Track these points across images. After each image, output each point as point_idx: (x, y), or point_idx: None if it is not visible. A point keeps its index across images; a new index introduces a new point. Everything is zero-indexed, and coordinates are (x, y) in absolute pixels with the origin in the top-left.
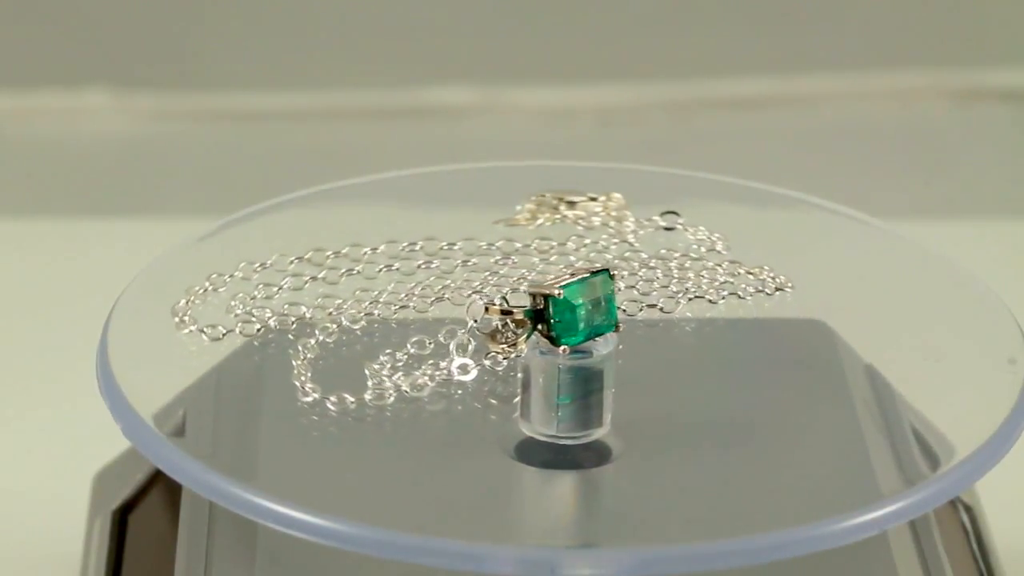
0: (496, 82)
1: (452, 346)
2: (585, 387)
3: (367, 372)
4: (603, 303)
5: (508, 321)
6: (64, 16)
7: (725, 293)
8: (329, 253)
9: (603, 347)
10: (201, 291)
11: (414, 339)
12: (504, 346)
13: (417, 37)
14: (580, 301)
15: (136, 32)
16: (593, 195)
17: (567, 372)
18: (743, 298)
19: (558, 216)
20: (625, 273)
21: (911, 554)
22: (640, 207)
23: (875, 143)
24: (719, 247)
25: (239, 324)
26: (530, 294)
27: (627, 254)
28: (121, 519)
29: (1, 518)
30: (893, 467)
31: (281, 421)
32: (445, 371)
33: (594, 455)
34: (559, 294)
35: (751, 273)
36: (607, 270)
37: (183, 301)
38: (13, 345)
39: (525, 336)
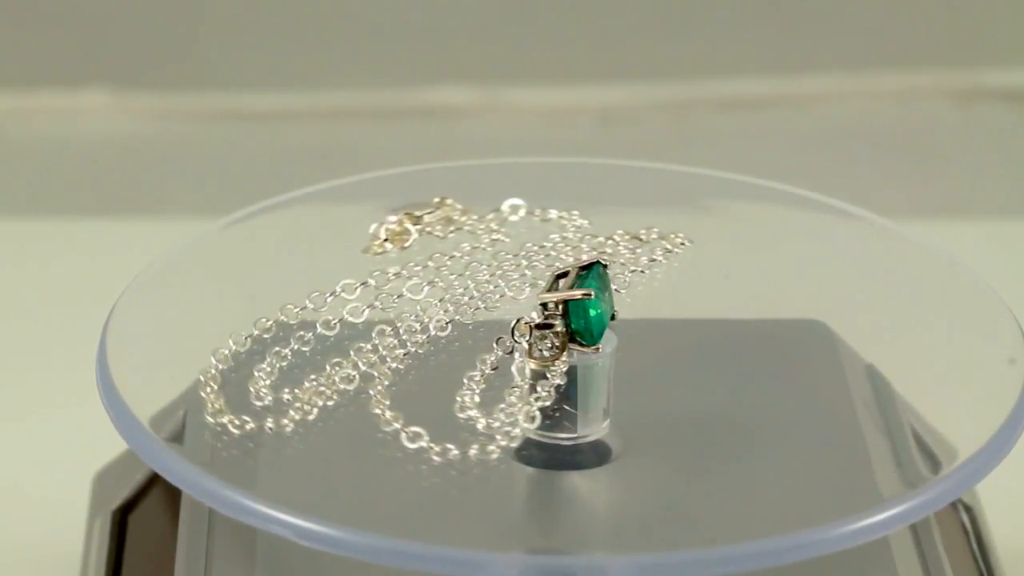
0: (496, 82)
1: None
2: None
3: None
4: (607, 294)
5: (549, 334)
6: (64, 16)
7: (648, 259)
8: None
9: (607, 344)
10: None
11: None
12: (545, 360)
13: (417, 37)
14: (602, 297)
15: (136, 32)
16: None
17: (601, 370)
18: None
19: (415, 233)
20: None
21: (911, 554)
22: (640, 206)
23: (875, 143)
24: (578, 222)
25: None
26: (554, 302)
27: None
28: (121, 519)
29: (1, 518)
30: (893, 469)
31: (281, 424)
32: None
33: (593, 456)
34: (590, 294)
35: (640, 238)
36: (599, 262)
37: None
38: (13, 345)
39: (564, 344)
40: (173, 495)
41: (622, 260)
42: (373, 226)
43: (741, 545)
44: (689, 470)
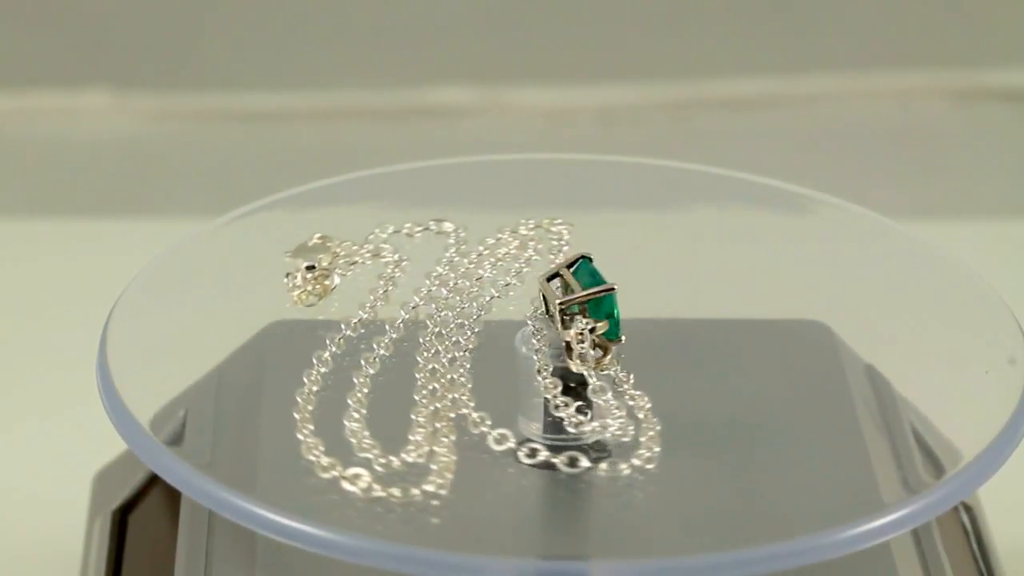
0: (496, 82)
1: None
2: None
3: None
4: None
5: (593, 339)
6: (64, 16)
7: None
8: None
9: None
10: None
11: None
12: (590, 364)
13: (417, 37)
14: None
15: (136, 32)
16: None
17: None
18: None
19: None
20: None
21: (911, 554)
22: (638, 205)
23: (875, 143)
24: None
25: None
26: (577, 303)
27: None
28: (121, 519)
29: (1, 518)
30: (894, 471)
31: (281, 426)
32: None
33: (592, 457)
34: (613, 288)
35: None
36: (585, 256)
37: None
38: (13, 345)
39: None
40: (173, 495)
41: (524, 255)
42: (288, 282)
43: (741, 550)
44: (687, 474)
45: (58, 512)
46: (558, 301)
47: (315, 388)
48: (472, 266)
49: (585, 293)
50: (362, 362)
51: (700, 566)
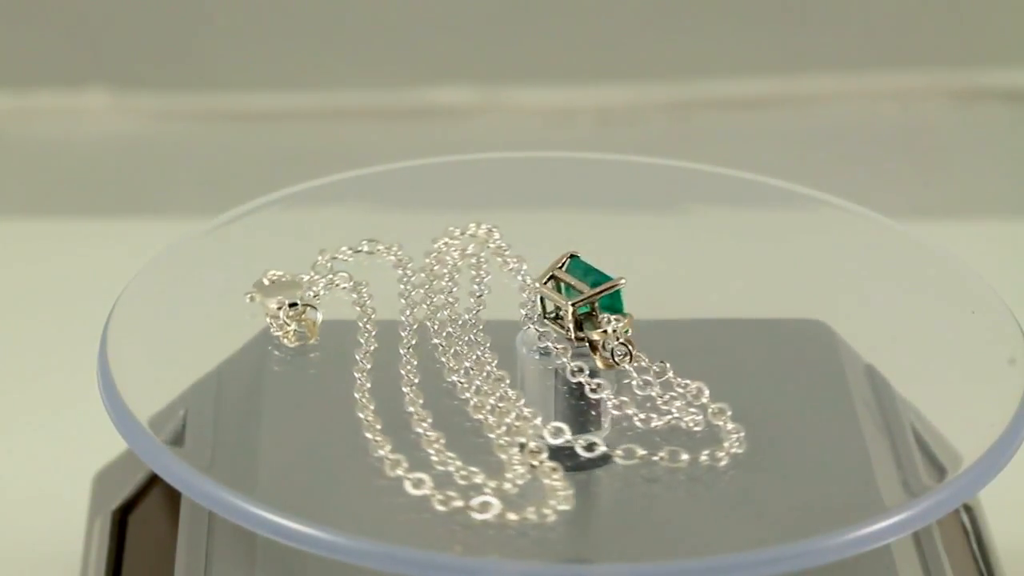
0: (496, 82)
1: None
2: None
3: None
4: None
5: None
6: (64, 16)
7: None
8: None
9: None
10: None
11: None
12: (615, 363)
13: (417, 37)
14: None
15: (136, 32)
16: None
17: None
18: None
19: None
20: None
21: (911, 554)
22: (638, 204)
23: (875, 143)
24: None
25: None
26: (587, 302)
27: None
28: (121, 519)
29: (1, 518)
30: (894, 472)
31: (281, 426)
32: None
33: (591, 459)
34: (622, 281)
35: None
36: (573, 254)
37: None
38: (13, 345)
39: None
40: (173, 495)
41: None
42: (273, 324)
43: (740, 553)
44: (687, 474)
45: (58, 512)
46: (571, 302)
47: (368, 385)
48: (435, 280)
49: (597, 291)
50: (402, 371)
51: (699, 569)
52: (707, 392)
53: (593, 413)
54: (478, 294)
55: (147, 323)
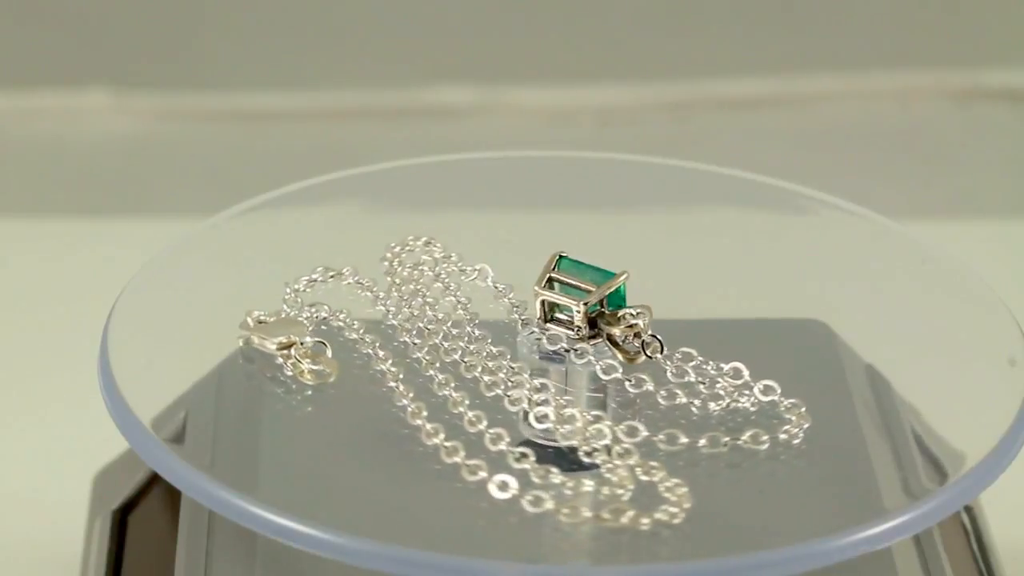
0: (496, 82)
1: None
2: None
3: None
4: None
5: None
6: (64, 16)
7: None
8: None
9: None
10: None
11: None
12: (629, 354)
13: (417, 37)
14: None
15: (136, 32)
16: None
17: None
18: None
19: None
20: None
21: (911, 554)
22: (638, 204)
23: (875, 143)
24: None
25: None
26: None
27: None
28: (121, 519)
29: (1, 518)
30: (895, 472)
31: (282, 426)
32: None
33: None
34: (626, 274)
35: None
36: (561, 254)
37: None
38: (13, 345)
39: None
40: (173, 495)
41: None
42: (291, 367)
43: (739, 556)
44: (687, 476)
45: (58, 512)
46: (584, 302)
47: (400, 376)
48: (413, 297)
49: (605, 287)
50: (438, 374)
51: (698, 571)
52: (746, 372)
53: (628, 408)
54: (458, 302)
55: (147, 322)
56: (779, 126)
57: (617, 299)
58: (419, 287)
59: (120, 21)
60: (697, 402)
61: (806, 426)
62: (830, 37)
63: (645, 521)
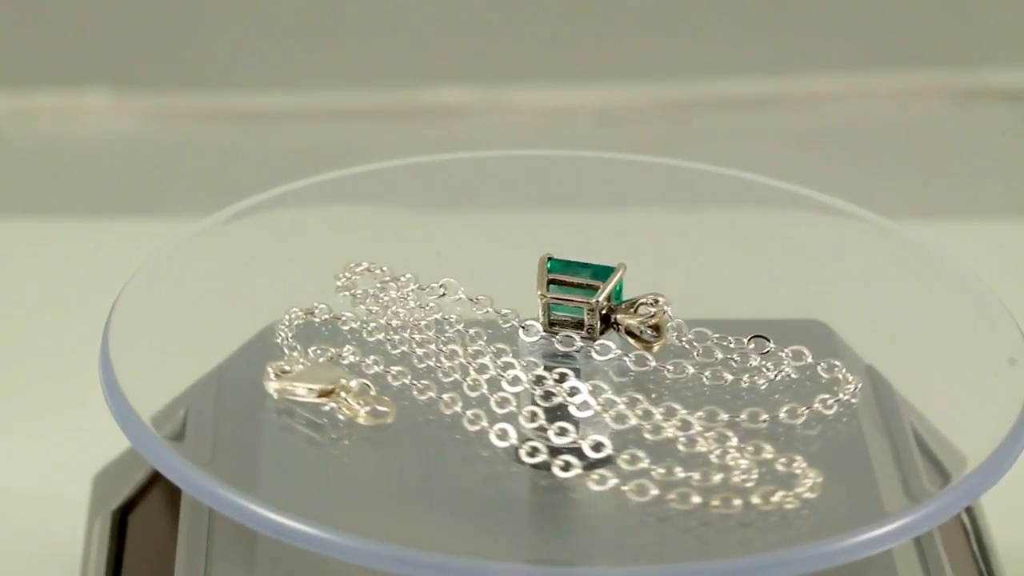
0: (496, 82)
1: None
2: None
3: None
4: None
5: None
6: (64, 16)
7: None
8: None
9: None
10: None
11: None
12: (650, 343)
13: (417, 37)
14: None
15: (136, 32)
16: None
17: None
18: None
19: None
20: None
21: (911, 554)
22: (637, 203)
23: (875, 143)
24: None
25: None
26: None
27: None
28: (121, 519)
29: (1, 518)
30: (895, 474)
31: (282, 424)
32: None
33: (592, 460)
34: (624, 266)
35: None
36: (548, 256)
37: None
38: (13, 345)
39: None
40: (173, 495)
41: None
42: (351, 413)
43: (742, 557)
44: (687, 477)
45: (58, 512)
46: (595, 299)
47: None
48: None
49: (610, 282)
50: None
51: (700, 573)
52: (771, 342)
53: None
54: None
55: (148, 320)
56: (779, 126)
57: (616, 293)
58: (394, 309)
59: (120, 21)
60: (745, 378)
61: (860, 386)
62: (830, 37)
63: (775, 500)
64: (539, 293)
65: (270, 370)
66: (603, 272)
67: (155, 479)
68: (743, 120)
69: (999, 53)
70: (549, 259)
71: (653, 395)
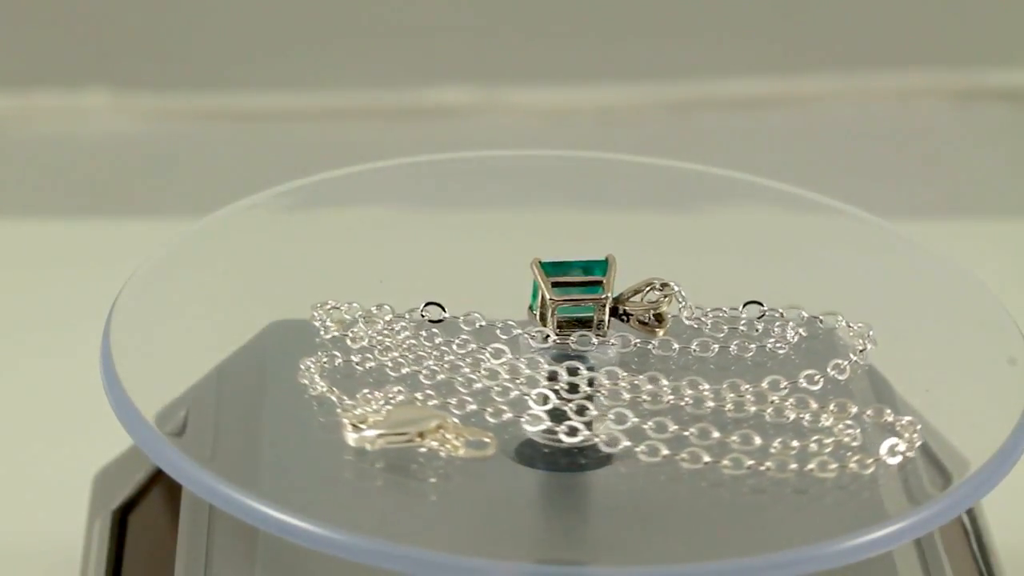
0: (496, 82)
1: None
2: None
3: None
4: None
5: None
6: (64, 16)
7: None
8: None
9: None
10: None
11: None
12: (654, 328)
13: (417, 37)
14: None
15: (136, 32)
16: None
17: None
18: None
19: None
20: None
21: (911, 554)
22: (637, 204)
23: (875, 143)
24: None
25: None
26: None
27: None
28: (121, 519)
29: (1, 518)
30: (896, 475)
31: (283, 422)
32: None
33: (592, 460)
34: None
35: None
36: (536, 260)
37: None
38: (13, 345)
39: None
40: (173, 495)
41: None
42: (445, 450)
43: (743, 558)
44: (688, 478)
45: (58, 512)
46: (604, 296)
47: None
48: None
49: (611, 275)
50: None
51: (699, 573)
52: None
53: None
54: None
55: (148, 321)
56: (779, 126)
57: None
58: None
59: (120, 21)
60: (769, 343)
61: (870, 347)
62: (830, 37)
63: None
64: (552, 298)
65: (346, 422)
66: (594, 266)
67: (155, 479)
68: (743, 120)
69: (999, 53)
70: (541, 263)
71: (672, 377)
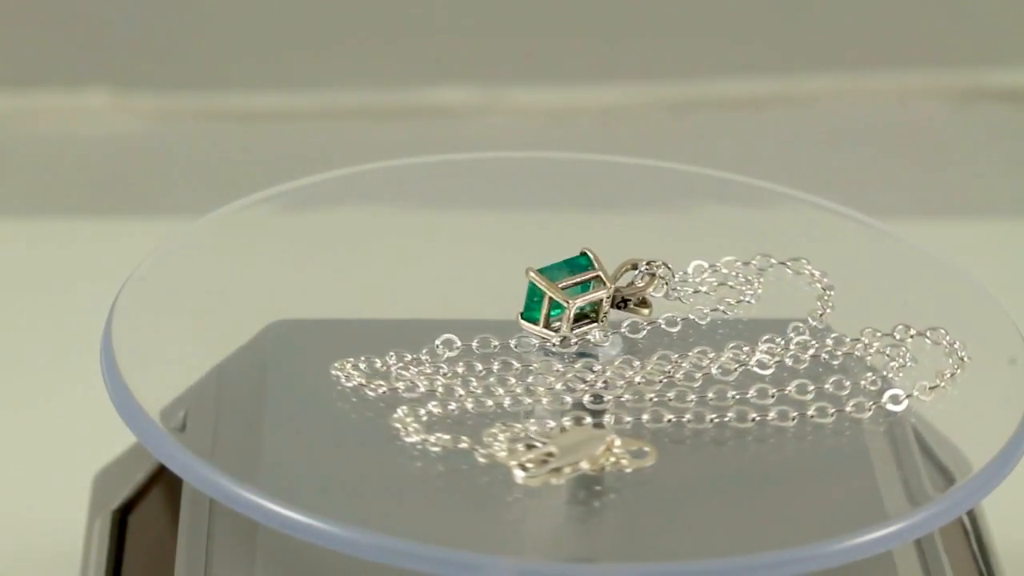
0: (496, 82)
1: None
2: None
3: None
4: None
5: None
6: (64, 16)
7: None
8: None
9: (613, 347)
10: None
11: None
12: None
13: (417, 37)
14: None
15: (136, 32)
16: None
17: None
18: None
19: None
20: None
21: (911, 554)
22: (637, 204)
23: (875, 143)
24: None
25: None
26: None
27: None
28: (121, 519)
29: (1, 518)
30: (896, 473)
31: (283, 420)
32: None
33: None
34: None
35: None
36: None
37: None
38: (13, 345)
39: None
40: (173, 495)
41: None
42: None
43: (743, 557)
44: (689, 478)
45: (58, 512)
46: (613, 287)
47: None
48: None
49: (603, 268)
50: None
51: (700, 572)
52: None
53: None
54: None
55: (148, 320)
56: (779, 126)
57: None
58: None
59: (120, 21)
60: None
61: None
62: (830, 37)
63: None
64: (569, 301)
65: (515, 463)
66: (578, 264)
67: (155, 479)
68: (743, 120)
69: (999, 53)
70: (539, 270)
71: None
